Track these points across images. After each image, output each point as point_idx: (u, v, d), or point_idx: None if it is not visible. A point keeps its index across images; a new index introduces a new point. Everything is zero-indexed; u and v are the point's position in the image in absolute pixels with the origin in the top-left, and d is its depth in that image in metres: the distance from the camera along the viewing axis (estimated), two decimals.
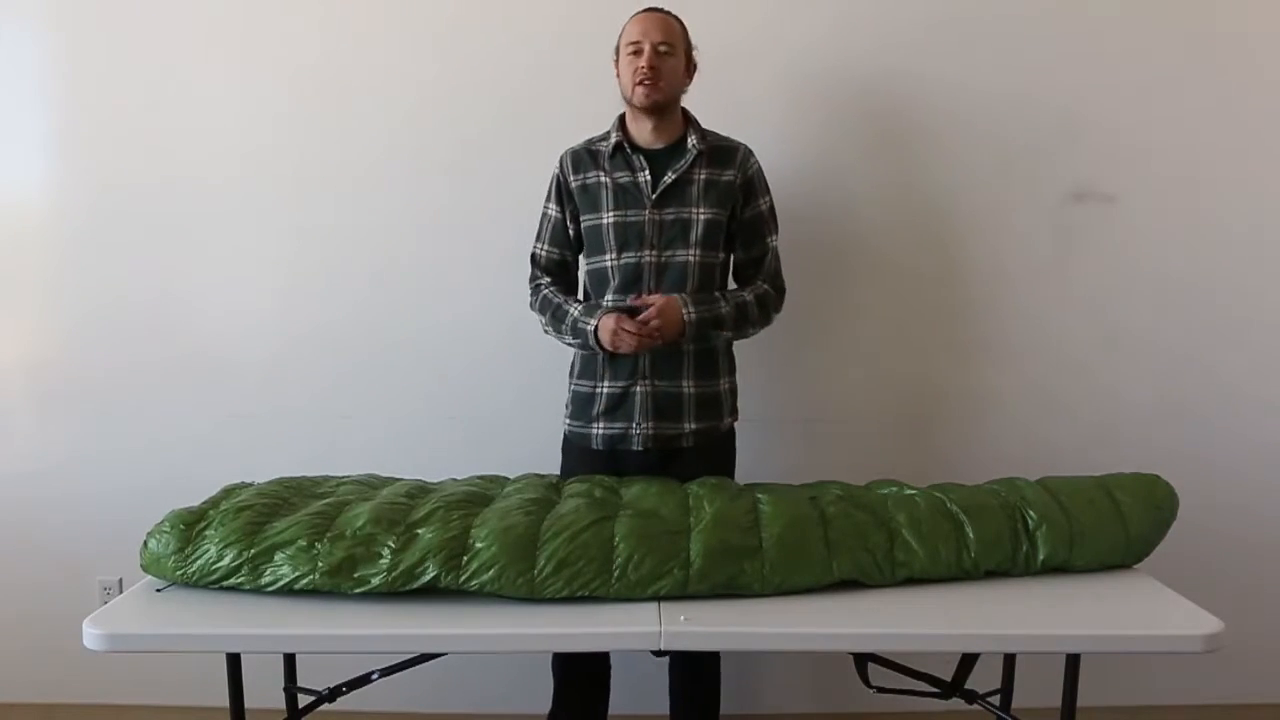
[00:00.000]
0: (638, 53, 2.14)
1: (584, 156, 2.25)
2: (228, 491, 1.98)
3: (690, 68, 2.22)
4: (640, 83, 2.14)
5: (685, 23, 2.22)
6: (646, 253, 2.18)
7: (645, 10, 2.21)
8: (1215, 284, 2.62)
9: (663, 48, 2.14)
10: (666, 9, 2.21)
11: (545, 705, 2.34)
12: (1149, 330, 2.63)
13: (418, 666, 1.87)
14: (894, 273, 2.63)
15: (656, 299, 2.13)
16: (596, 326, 2.13)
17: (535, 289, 2.30)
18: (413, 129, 2.59)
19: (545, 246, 2.29)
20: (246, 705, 1.82)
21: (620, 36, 2.20)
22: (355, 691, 1.92)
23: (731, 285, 2.32)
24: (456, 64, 2.57)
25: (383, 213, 2.62)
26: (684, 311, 2.13)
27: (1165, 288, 2.62)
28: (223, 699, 1.80)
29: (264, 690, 2.03)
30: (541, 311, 2.27)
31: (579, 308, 2.20)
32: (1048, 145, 2.58)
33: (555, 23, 2.54)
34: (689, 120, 2.25)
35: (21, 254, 2.67)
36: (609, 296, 2.21)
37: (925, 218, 2.61)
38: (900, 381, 2.65)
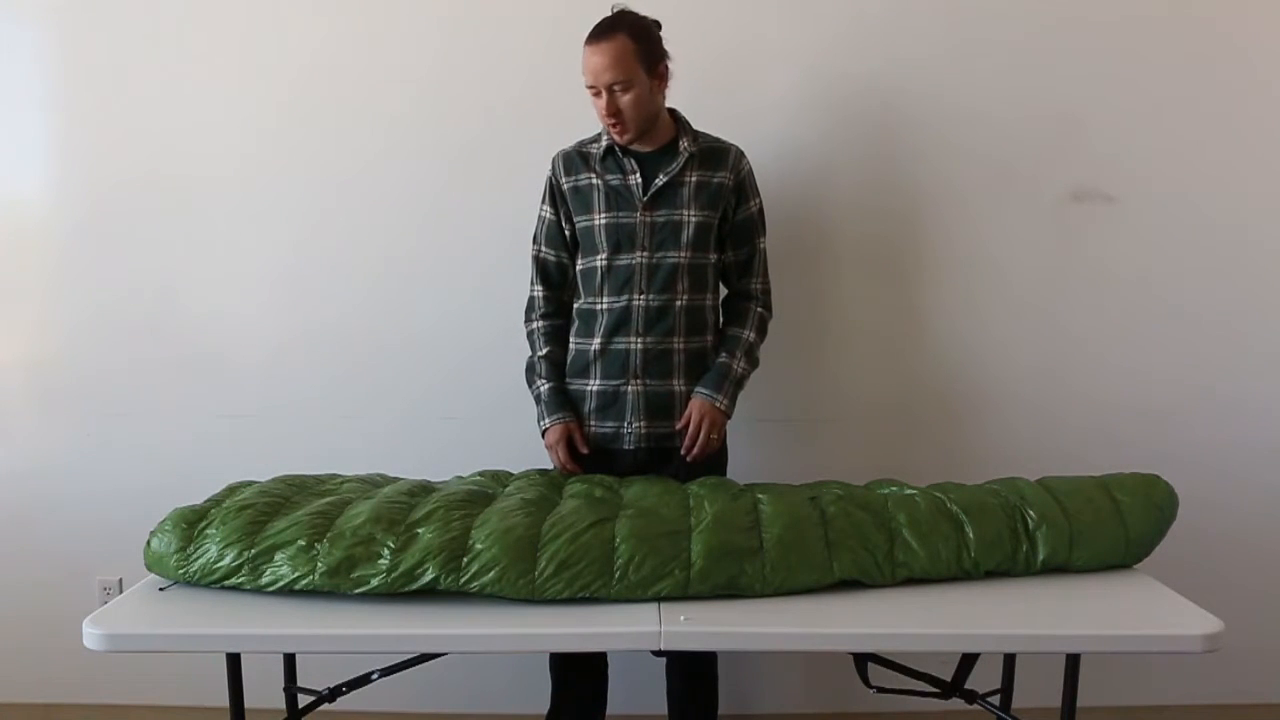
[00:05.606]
0: (597, 95, 2.10)
1: (575, 159, 2.25)
2: (231, 490, 1.98)
3: (659, 75, 2.13)
4: (609, 125, 2.14)
5: (649, 23, 2.11)
6: (638, 254, 2.19)
7: (592, 40, 2.07)
8: (1215, 283, 2.62)
9: (618, 87, 2.07)
10: (616, 28, 2.07)
11: (544, 705, 2.35)
12: (1149, 329, 2.62)
13: (418, 666, 1.87)
14: (893, 272, 2.63)
15: (690, 417, 2.18)
16: (545, 430, 2.23)
17: (528, 318, 2.32)
18: (412, 128, 2.59)
19: (543, 249, 2.30)
20: (246, 705, 1.82)
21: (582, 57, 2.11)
22: (355, 691, 1.92)
23: (721, 290, 2.34)
24: (454, 64, 2.57)
25: (382, 212, 2.62)
26: (716, 405, 2.19)
27: (1164, 287, 2.61)
28: (223, 699, 1.80)
29: (264, 690, 2.03)
30: (530, 345, 2.31)
31: (547, 390, 2.24)
32: (1048, 145, 2.58)
33: (553, 22, 2.53)
34: (679, 122, 2.24)
35: (21, 254, 2.67)
36: (602, 298, 2.22)
37: (925, 217, 2.61)
38: (899, 381, 2.65)
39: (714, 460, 2.26)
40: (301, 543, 1.76)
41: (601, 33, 2.08)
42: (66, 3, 2.58)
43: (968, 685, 1.92)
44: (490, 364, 2.58)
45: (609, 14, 2.12)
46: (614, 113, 2.10)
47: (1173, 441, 2.60)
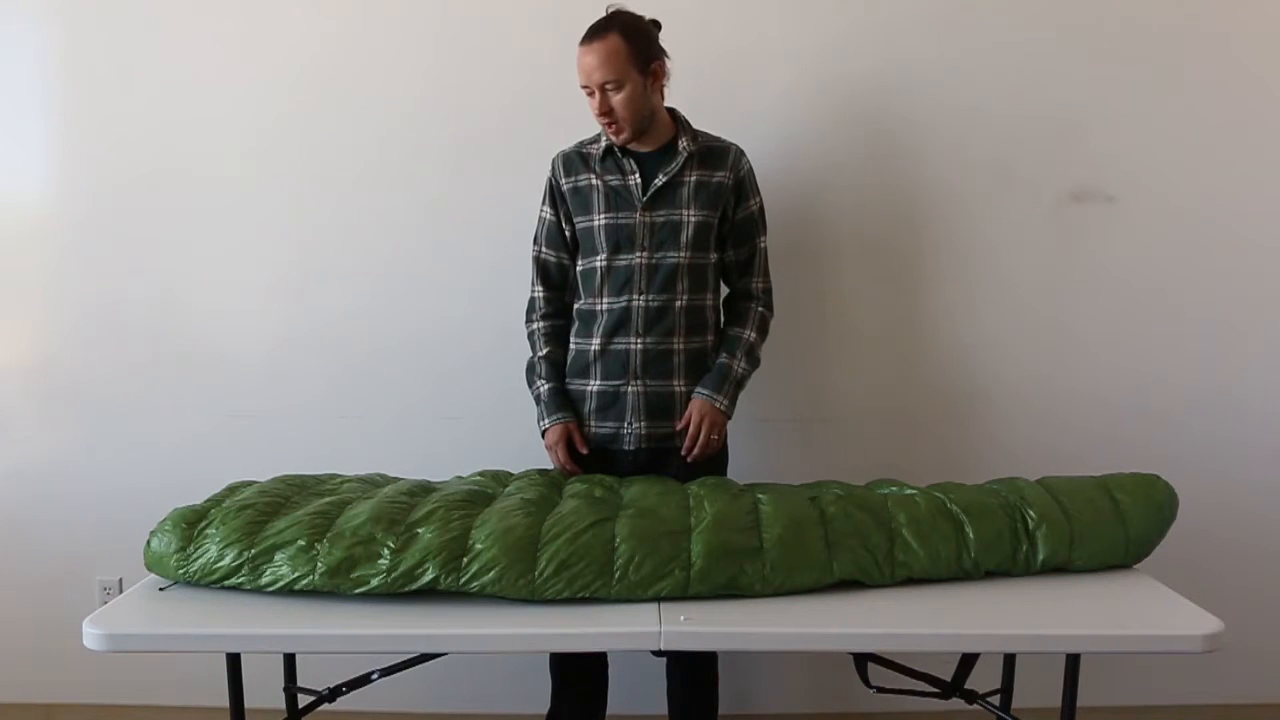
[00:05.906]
0: (591, 94, 2.10)
1: (575, 159, 2.25)
2: (231, 489, 1.99)
3: (653, 74, 2.12)
4: (603, 125, 2.14)
5: (644, 22, 2.12)
6: (638, 255, 2.19)
7: (585, 40, 2.08)
8: (1215, 283, 2.62)
9: (609, 86, 2.07)
10: (608, 27, 2.08)
11: (544, 705, 2.35)
12: (1149, 330, 2.62)
13: (418, 666, 1.87)
14: (894, 272, 2.63)
15: (690, 417, 2.19)
16: (545, 430, 2.24)
17: (529, 319, 2.32)
18: (412, 128, 2.59)
19: (543, 249, 2.30)
20: (246, 705, 1.82)
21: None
22: (355, 691, 1.92)
23: (722, 289, 2.34)
24: (455, 64, 2.57)
25: (382, 212, 2.62)
26: (716, 405, 2.20)
27: (1165, 287, 2.62)
28: (223, 699, 1.80)
29: (264, 690, 2.03)
30: (530, 345, 2.32)
31: (547, 390, 2.25)
32: (1048, 145, 2.58)
33: (553, 22, 2.53)
34: (678, 121, 2.24)
35: (21, 254, 2.67)
36: (601, 298, 2.22)
37: (926, 217, 2.61)
38: (900, 381, 2.65)
39: (714, 460, 2.26)
40: (301, 543, 1.76)
41: (594, 33, 2.09)
42: (68, 3, 2.58)
43: (968, 685, 1.93)
44: (490, 364, 2.58)
45: (604, 14, 2.12)
46: (606, 112, 2.10)
47: (1173, 441, 2.60)
